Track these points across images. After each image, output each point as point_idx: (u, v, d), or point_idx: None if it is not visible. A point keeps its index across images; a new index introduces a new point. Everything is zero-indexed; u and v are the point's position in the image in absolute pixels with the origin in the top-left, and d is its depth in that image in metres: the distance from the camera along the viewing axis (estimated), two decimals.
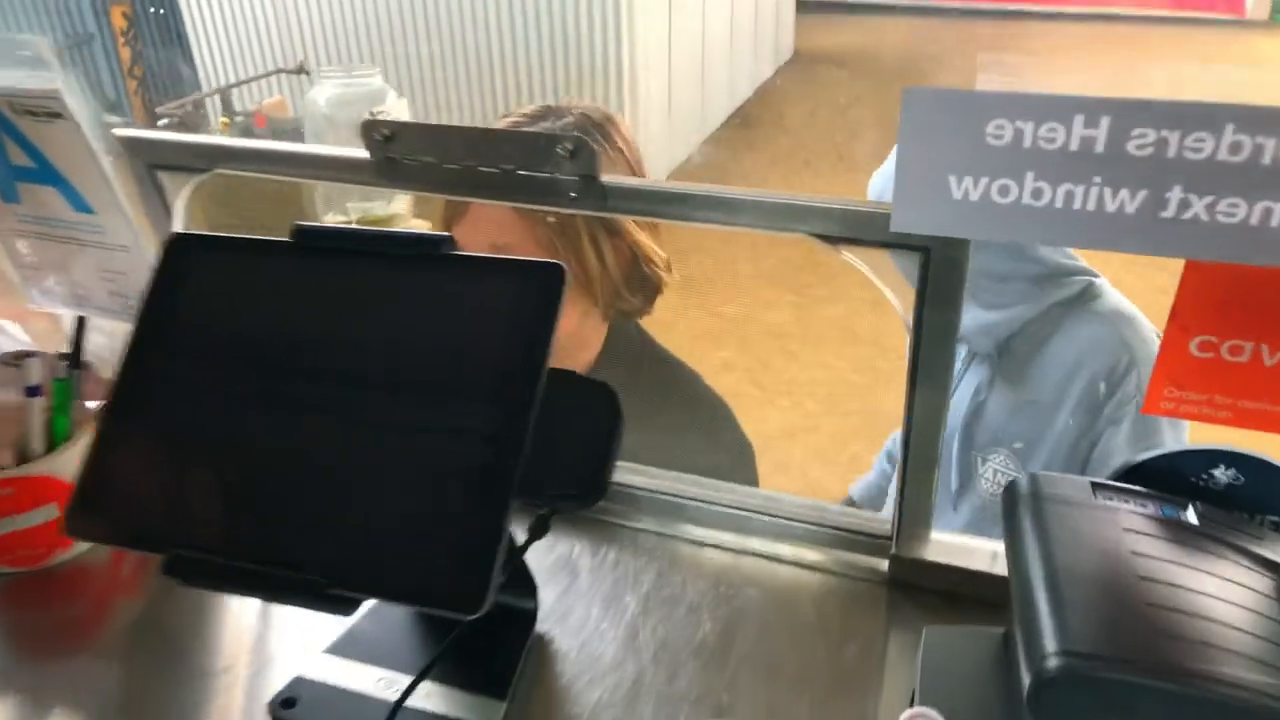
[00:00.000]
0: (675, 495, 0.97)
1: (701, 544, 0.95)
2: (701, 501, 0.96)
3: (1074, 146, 0.54)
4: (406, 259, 0.66)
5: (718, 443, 1.28)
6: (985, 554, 0.87)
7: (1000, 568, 0.84)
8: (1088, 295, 1.46)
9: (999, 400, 1.51)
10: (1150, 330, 1.44)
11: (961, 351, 1.57)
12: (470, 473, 0.58)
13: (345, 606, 0.57)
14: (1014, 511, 0.68)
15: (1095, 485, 0.68)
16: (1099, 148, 0.53)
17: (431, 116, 6.70)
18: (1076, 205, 0.56)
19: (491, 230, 1.13)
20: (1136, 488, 0.68)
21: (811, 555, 0.92)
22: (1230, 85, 0.53)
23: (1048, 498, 0.67)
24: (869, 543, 0.91)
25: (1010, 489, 0.69)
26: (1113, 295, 1.47)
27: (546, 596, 0.88)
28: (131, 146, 0.92)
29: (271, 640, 0.84)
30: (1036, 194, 0.56)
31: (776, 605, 0.87)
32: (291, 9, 6.56)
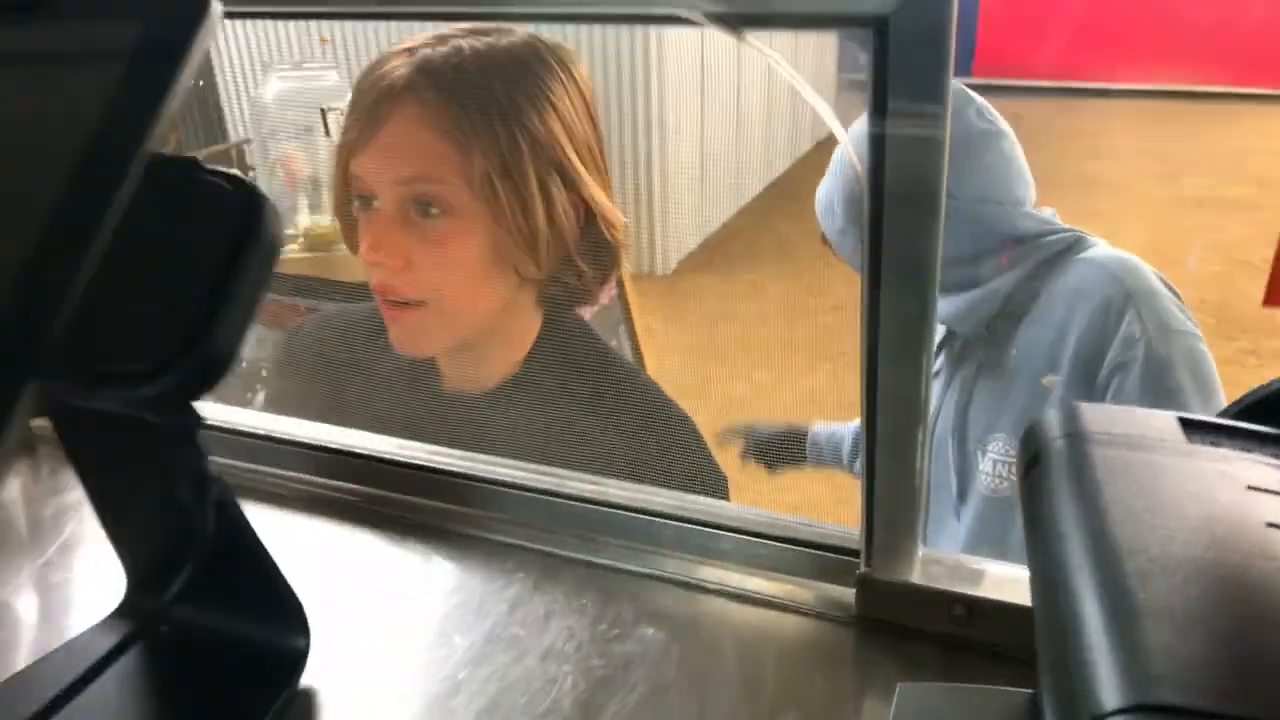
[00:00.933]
0: (558, 494, 0.68)
1: (586, 561, 0.66)
2: (590, 503, 0.67)
3: None
4: None
5: (682, 465, 0.99)
6: (1001, 577, 0.56)
7: (1024, 595, 0.54)
8: (1074, 249, 1.24)
9: (990, 385, 1.27)
10: (1148, 268, 1.19)
11: (941, 355, 1.36)
12: None
13: None
14: (1040, 476, 0.39)
15: (1187, 423, 0.39)
16: None
17: None
18: None
19: (407, 159, 0.85)
20: (1267, 429, 0.39)
21: (744, 580, 0.63)
22: None
23: (1102, 442, 0.38)
24: (830, 564, 0.61)
25: (1032, 436, 0.40)
26: (1103, 245, 1.27)
27: (329, 633, 0.59)
28: None
29: None
30: None
31: (684, 653, 0.57)
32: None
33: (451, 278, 0.86)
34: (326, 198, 1.90)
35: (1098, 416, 0.40)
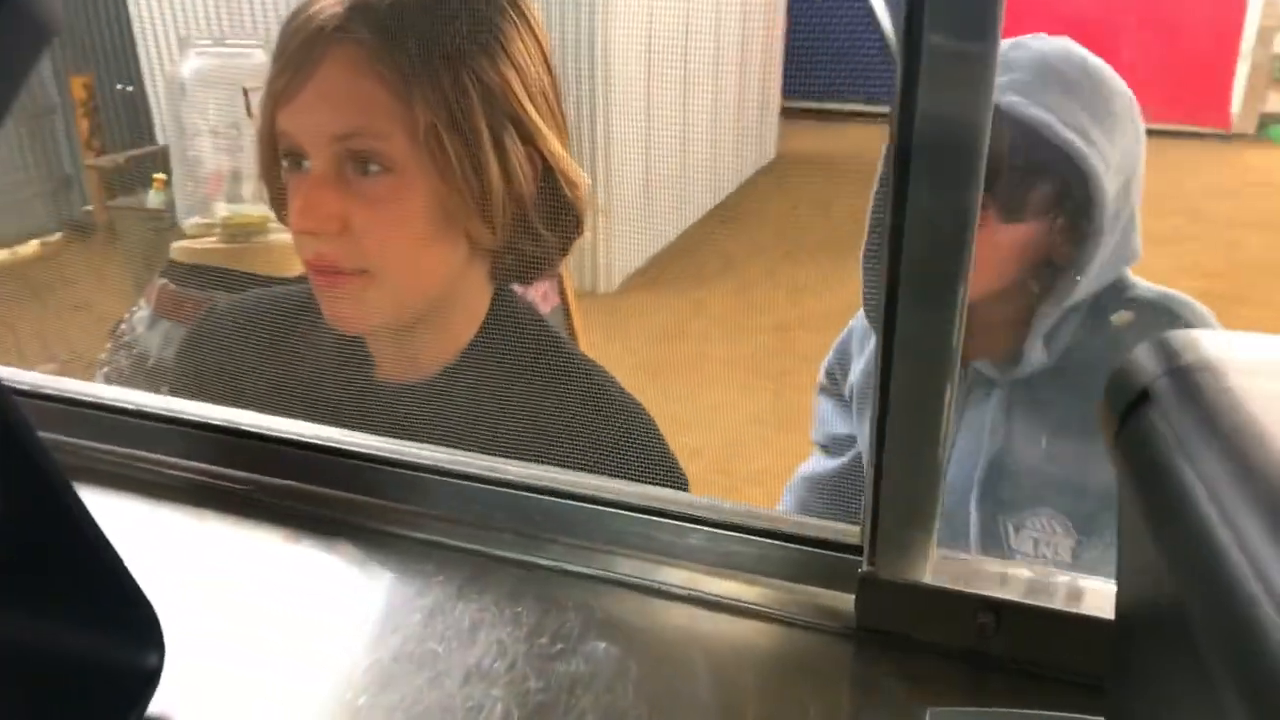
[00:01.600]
0: (489, 481, 0.56)
1: (524, 562, 0.54)
2: (540, 493, 0.55)
3: None
4: None
5: (641, 459, 0.87)
6: (1036, 580, 0.46)
7: (1065, 600, 0.44)
8: (1117, 286, 1.08)
9: (1027, 436, 1.06)
10: (1199, 304, 1.06)
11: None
12: None
13: None
14: (1152, 418, 0.28)
15: None
16: None
17: None
18: None
19: (343, 109, 0.73)
20: None
21: (717, 583, 0.51)
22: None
23: (1233, 370, 0.28)
24: (823, 563, 0.50)
25: (1128, 375, 0.30)
26: (1141, 281, 1.14)
27: (192, 648, 0.47)
28: None
29: None
30: None
31: (643, 673, 0.46)
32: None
33: (394, 242, 0.75)
34: (245, 186, 1.76)
35: (1214, 342, 0.30)
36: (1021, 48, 0.81)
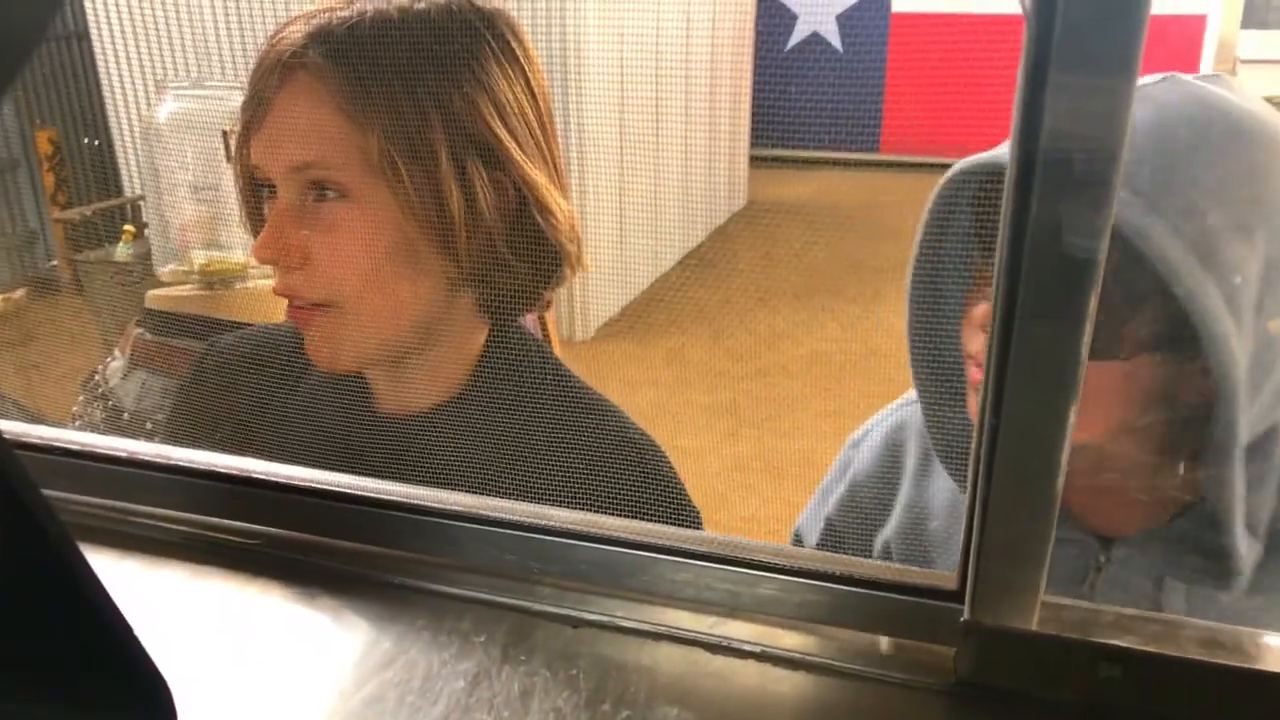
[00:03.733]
0: (526, 528, 0.51)
1: (571, 617, 0.48)
2: (584, 540, 0.50)
3: None
4: None
5: (656, 498, 0.82)
6: (1165, 625, 0.41)
7: (1218, 655, 0.39)
8: None
9: None
10: None
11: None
12: None
13: None
14: None
15: None
16: None
17: None
18: None
19: (298, 140, 0.70)
20: None
21: (794, 638, 0.46)
22: None
23: None
24: (915, 611, 0.45)
25: None
26: None
27: None
28: None
29: None
30: None
31: None
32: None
33: (354, 274, 0.71)
34: (224, 231, 1.70)
35: None
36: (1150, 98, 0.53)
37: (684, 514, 0.81)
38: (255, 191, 0.74)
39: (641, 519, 0.70)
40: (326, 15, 0.70)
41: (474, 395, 0.78)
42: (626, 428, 0.84)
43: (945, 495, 0.72)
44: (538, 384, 0.82)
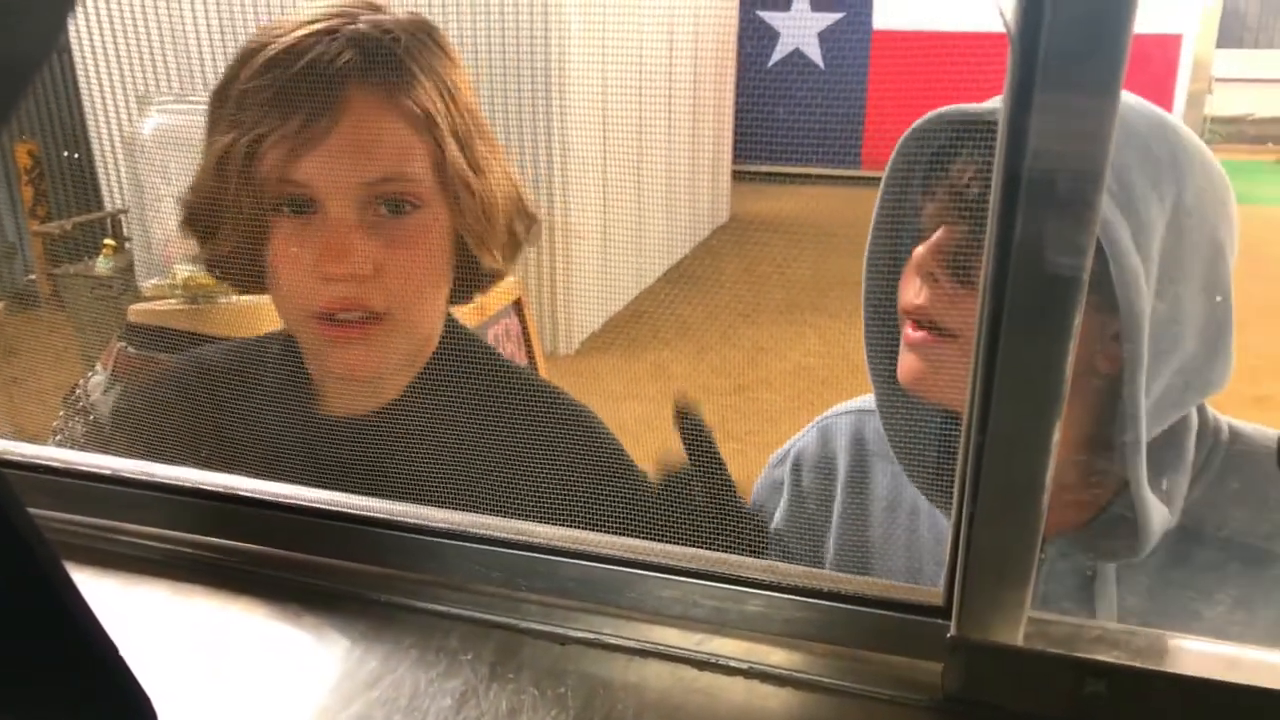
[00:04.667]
0: (512, 545, 0.51)
1: (558, 634, 0.48)
2: (571, 556, 0.50)
3: None
4: None
5: (608, 479, 0.83)
6: (1153, 642, 0.41)
7: (1206, 670, 0.39)
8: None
9: None
10: None
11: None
12: None
13: None
14: None
15: None
16: None
17: None
18: None
19: (377, 155, 0.70)
20: None
21: (782, 654, 0.46)
22: None
23: None
24: (902, 627, 0.45)
25: None
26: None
27: None
28: None
29: None
30: None
31: None
32: None
33: (419, 281, 0.73)
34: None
35: None
36: None
37: (627, 474, 0.83)
38: (264, 210, 0.72)
39: (592, 489, 0.72)
40: (348, 28, 0.69)
41: (427, 385, 0.77)
42: (564, 400, 0.85)
43: (881, 500, 0.72)
44: (488, 376, 0.82)
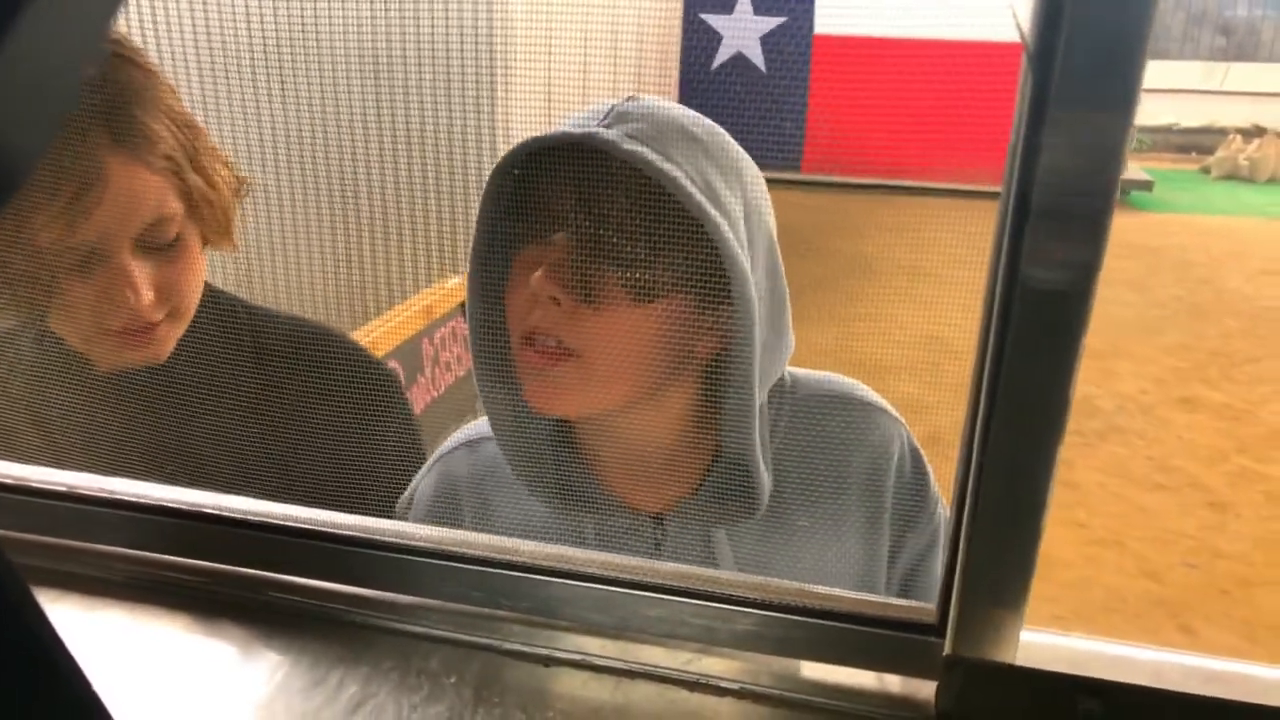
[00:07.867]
0: (489, 563, 0.50)
1: (542, 655, 0.47)
2: (553, 575, 0.49)
3: None
4: None
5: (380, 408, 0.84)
6: (1146, 659, 0.42)
7: (1199, 687, 0.39)
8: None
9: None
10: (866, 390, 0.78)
11: None
12: None
13: None
14: None
15: None
16: None
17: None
18: None
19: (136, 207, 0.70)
20: None
21: (775, 672, 0.46)
22: None
23: None
24: (895, 645, 0.45)
25: None
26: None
27: None
28: None
29: None
30: None
31: None
32: None
33: (191, 287, 0.75)
34: None
35: None
36: (637, 100, 0.64)
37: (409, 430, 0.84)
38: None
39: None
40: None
41: (184, 352, 0.76)
42: (346, 345, 0.86)
43: (515, 528, 0.69)
44: (238, 322, 0.83)
